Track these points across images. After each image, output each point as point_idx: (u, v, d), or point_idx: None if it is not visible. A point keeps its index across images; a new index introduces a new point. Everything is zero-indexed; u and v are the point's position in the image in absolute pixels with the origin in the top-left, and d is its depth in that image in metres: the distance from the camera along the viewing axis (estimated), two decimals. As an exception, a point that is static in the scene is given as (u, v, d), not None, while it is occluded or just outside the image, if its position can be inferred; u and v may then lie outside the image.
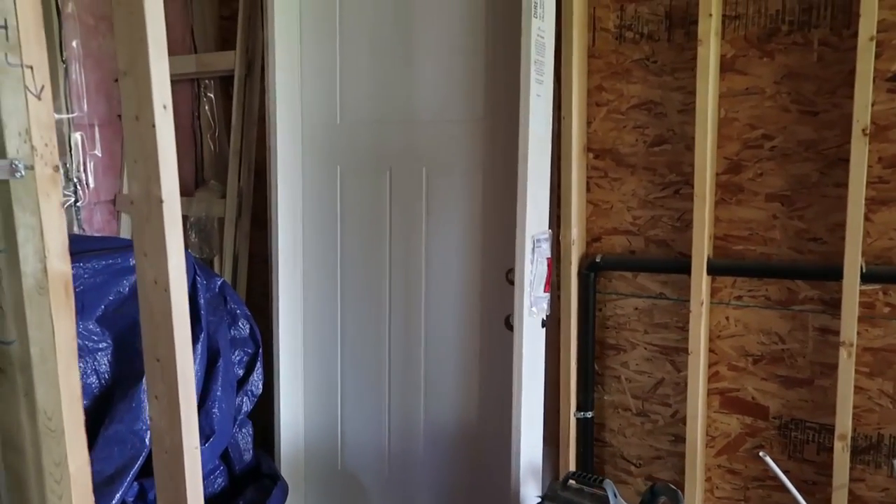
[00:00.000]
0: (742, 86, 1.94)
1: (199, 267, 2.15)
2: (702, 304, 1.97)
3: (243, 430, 2.25)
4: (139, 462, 1.78)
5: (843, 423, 1.82)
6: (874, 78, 1.75)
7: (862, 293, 1.83)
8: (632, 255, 2.16)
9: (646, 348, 2.18)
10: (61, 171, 2.63)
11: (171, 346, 1.14)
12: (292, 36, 2.26)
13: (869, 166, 1.79)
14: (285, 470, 2.37)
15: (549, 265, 1.94)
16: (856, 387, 1.87)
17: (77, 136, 2.65)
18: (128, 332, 1.86)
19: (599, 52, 2.13)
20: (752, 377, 2.03)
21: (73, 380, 0.99)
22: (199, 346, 2.03)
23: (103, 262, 1.83)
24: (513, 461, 1.90)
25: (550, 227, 2.10)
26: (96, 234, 2.72)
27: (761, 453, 1.84)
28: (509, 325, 2.05)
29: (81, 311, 1.83)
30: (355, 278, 2.28)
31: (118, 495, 1.73)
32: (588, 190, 2.20)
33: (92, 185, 2.72)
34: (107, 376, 1.87)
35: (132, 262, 1.85)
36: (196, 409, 1.20)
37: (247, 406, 2.24)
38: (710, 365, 2.08)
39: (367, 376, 2.29)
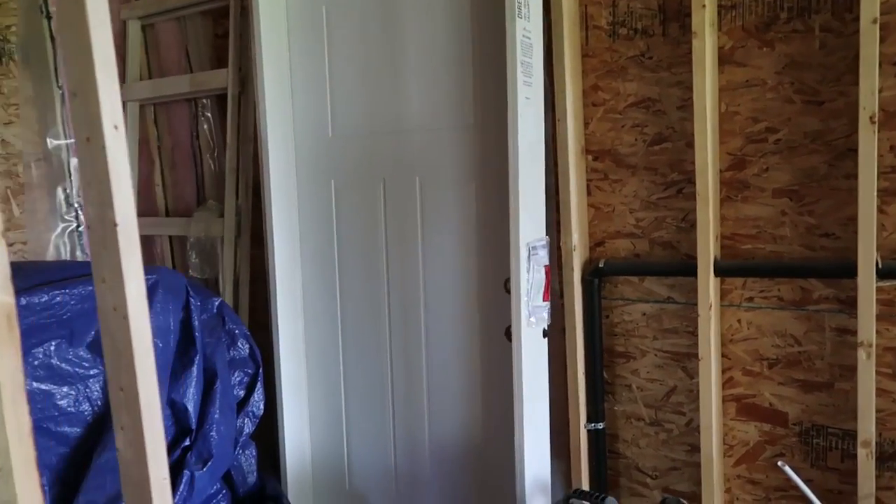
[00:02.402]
0: (742, 78, 1.86)
1: (193, 288, 2.11)
2: (710, 307, 1.88)
3: (246, 452, 2.20)
4: (132, 490, 1.74)
5: (866, 428, 1.71)
6: (881, 63, 1.65)
7: (880, 290, 1.73)
8: (636, 258, 2.08)
9: (656, 355, 2.09)
10: (61, 196, 2.64)
11: (132, 375, 1.09)
12: (281, 50, 2.23)
13: (880, 155, 1.69)
14: (293, 491, 2.32)
15: (547, 273, 1.87)
16: (879, 389, 1.77)
17: (77, 162, 2.66)
18: (118, 357, 1.83)
19: (593, 50, 2.06)
20: (768, 382, 1.93)
21: (21, 415, 0.95)
22: (194, 369, 2.00)
23: (91, 287, 1.80)
24: (517, 477, 1.83)
25: (549, 233, 2.03)
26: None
27: (779, 463, 1.74)
28: (510, 336, 1.98)
29: (71, 338, 1.81)
30: (354, 294, 2.23)
31: (110, 525, 1.70)
32: (588, 193, 2.13)
33: (94, 209, 2.71)
34: (99, 403, 1.84)
35: (121, 286, 1.83)
36: (163, 438, 1.16)
37: (248, 427, 2.19)
38: (724, 370, 1.98)
39: (371, 394, 2.23)
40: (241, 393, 2.21)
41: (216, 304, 2.21)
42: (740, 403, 1.98)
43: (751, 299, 1.93)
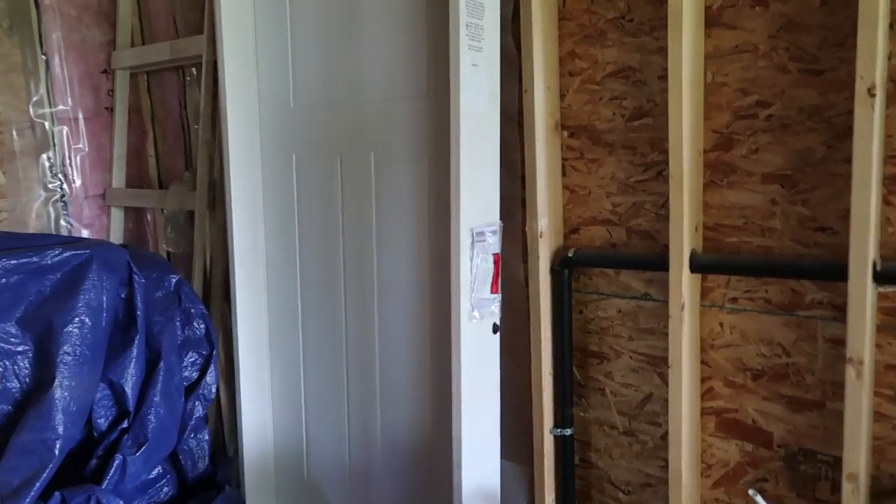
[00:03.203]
0: (731, 43, 1.59)
1: (147, 263, 2.04)
2: (682, 307, 1.64)
3: (198, 437, 2.12)
4: (46, 473, 1.68)
5: (853, 460, 1.45)
6: (892, 24, 1.37)
7: (882, 297, 1.46)
8: (612, 248, 1.85)
9: (631, 357, 1.87)
10: (46, 164, 2.61)
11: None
12: (244, 14, 2.10)
13: (888, 136, 1.41)
14: (251, 478, 2.23)
15: (496, 262, 1.68)
16: (878, 413, 1.50)
17: (61, 130, 2.62)
18: (45, 335, 1.77)
19: (571, 12, 1.82)
20: (752, 396, 1.68)
21: None
22: (134, 349, 1.92)
23: (15, 260, 1.74)
24: (454, 486, 1.66)
25: (516, 217, 1.84)
26: (81, 230, 2.69)
27: (750, 491, 1.51)
28: (462, 330, 1.80)
29: (-2, 312, 1.75)
30: (312, 278, 2.10)
31: (22, 508, 1.64)
32: (564, 174, 1.91)
33: (79, 179, 2.69)
34: (28, 380, 1.79)
35: (50, 261, 1.75)
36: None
37: (199, 411, 2.11)
38: (703, 380, 1.75)
39: (327, 380, 2.11)
40: (195, 375, 2.13)
41: (174, 281, 2.13)
42: (720, 418, 1.74)
43: (734, 300, 1.67)
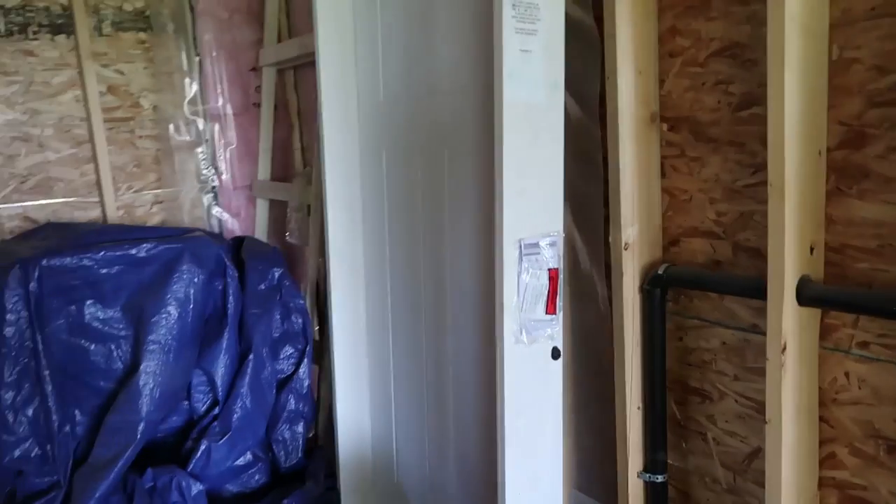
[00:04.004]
0: (866, 5, 1.19)
1: (245, 256, 2.11)
2: (783, 349, 1.28)
3: (292, 429, 2.16)
4: (129, 452, 1.80)
5: None
6: None
7: None
8: (716, 266, 1.52)
9: (737, 401, 1.53)
10: (200, 157, 2.82)
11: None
12: (343, 8, 2.05)
13: None
14: (346, 476, 2.22)
15: (552, 278, 1.45)
16: None
17: (213, 126, 2.81)
18: (138, 323, 1.89)
19: (672, -21, 1.51)
20: (886, 473, 1.28)
21: None
22: (222, 341, 2.00)
23: (113, 252, 1.87)
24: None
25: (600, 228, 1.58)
26: (230, 219, 2.88)
27: None
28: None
29: (102, 299, 1.91)
30: (399, 285, 2.01)
31: (106, 483, 1.77)
32: (663, 174, 1.60)
33: (228, 171, 2.87)
34: (129, 364, 1.93)
35: (145, 253, 1.87)
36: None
37: (292, 404, 2.15)
38: (823, 442, 1.36)
39: (410, 388, 2.01)
40: (290, 368, 2.17)
41: (276, 274, 2.18)
42: (843, 494, 1.35)
43: (865, 345, 1.27)
